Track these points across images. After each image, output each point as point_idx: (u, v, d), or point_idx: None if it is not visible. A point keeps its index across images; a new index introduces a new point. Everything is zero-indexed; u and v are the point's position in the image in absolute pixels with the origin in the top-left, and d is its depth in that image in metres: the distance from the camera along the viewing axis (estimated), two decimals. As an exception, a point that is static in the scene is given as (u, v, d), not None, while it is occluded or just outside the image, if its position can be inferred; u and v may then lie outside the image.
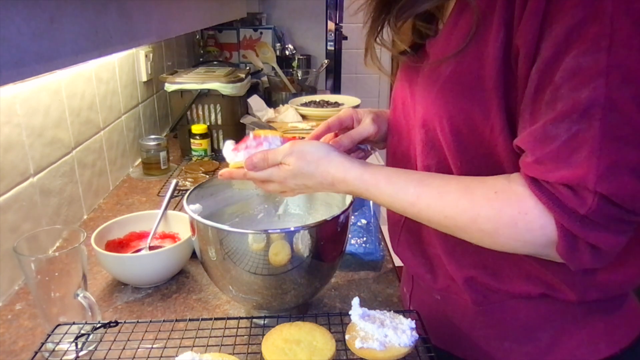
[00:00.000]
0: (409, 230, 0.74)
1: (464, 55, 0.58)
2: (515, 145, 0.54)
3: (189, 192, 0.78)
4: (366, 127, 0.77)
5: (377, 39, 0.71)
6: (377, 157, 3.23)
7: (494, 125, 0.56)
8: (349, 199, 0.76)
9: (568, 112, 0.47)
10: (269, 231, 0.68)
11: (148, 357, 0.64)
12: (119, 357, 0.64)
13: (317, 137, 0.78)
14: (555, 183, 0.49)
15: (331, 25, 2.43)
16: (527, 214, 0.51)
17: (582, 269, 0.53)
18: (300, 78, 2.26)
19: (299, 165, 0.63)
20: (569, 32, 0.47)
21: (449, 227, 0.57)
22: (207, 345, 0.66)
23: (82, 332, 0.67)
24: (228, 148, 0.71)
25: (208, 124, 1.51)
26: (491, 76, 0.55)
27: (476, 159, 0.60)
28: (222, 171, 0.71)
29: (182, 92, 1.48)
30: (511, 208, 0.52)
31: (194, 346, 0.65)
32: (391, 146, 0.77)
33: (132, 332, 0.68)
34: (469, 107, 0.57)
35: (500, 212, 0.52)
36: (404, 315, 0.64)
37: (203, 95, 1.48)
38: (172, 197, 1.01)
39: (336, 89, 2.56)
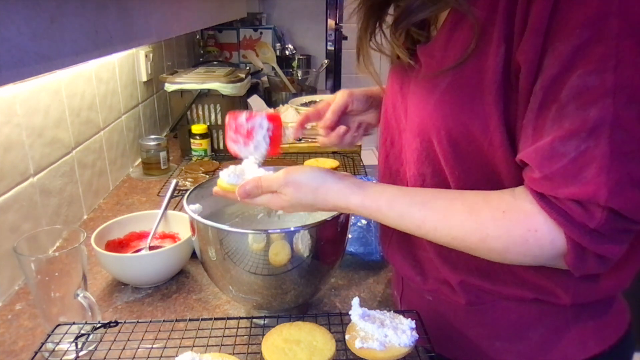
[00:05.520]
0: (400, 234, 0.74)
1: (462, 68, 0.57)
2: (519, 160, 0.54)
3: (189, 192, 0.78)
4: (338, 101, 0.82)
5: (371, 44, 0.71)
6: (375, 153, 3.23)
7: (493, 138, 0.56)
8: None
9: (576, 130, 0.48)
10: (269, 231, 0.68)
11: (148, 357, 0.64)
12: (119, 357, 0.64)
13: (301, 125, 0.83)
14: (564, 199, 0.50)
15: (331, 25, 2.43)
16: (537, 231, 0.52)
17: (587, 274, 0.53)
18: (300, 78, 2.25)
19: (296, 196, 0.63)
20: (575, 51, 0.48)
21: (457, 247, 0.58)
22: (207, 345, 0.66)
23: (82, 332, 0.67)
24: (225, 173, 0.70)
25: (208, 124, 1.51)
26: (491, 90, 0.55)
27: (473, 169, 0.60)
28: (216, 189, 0.70)
29: (182, 92, 1.48)
30: (520, 227, 0.52)
31: (194, 346, 0.65)
32: (384, 149, 0.77)
33: (132, 332, 0.68)
34: (468, 120, 0.57)
35: (510, 231, 0.53)
36: (404, 315, 0.64)
37: (203, 95, 1.48)
38: (172, 197, 1.01)
39: (336, 88, 2.56)
